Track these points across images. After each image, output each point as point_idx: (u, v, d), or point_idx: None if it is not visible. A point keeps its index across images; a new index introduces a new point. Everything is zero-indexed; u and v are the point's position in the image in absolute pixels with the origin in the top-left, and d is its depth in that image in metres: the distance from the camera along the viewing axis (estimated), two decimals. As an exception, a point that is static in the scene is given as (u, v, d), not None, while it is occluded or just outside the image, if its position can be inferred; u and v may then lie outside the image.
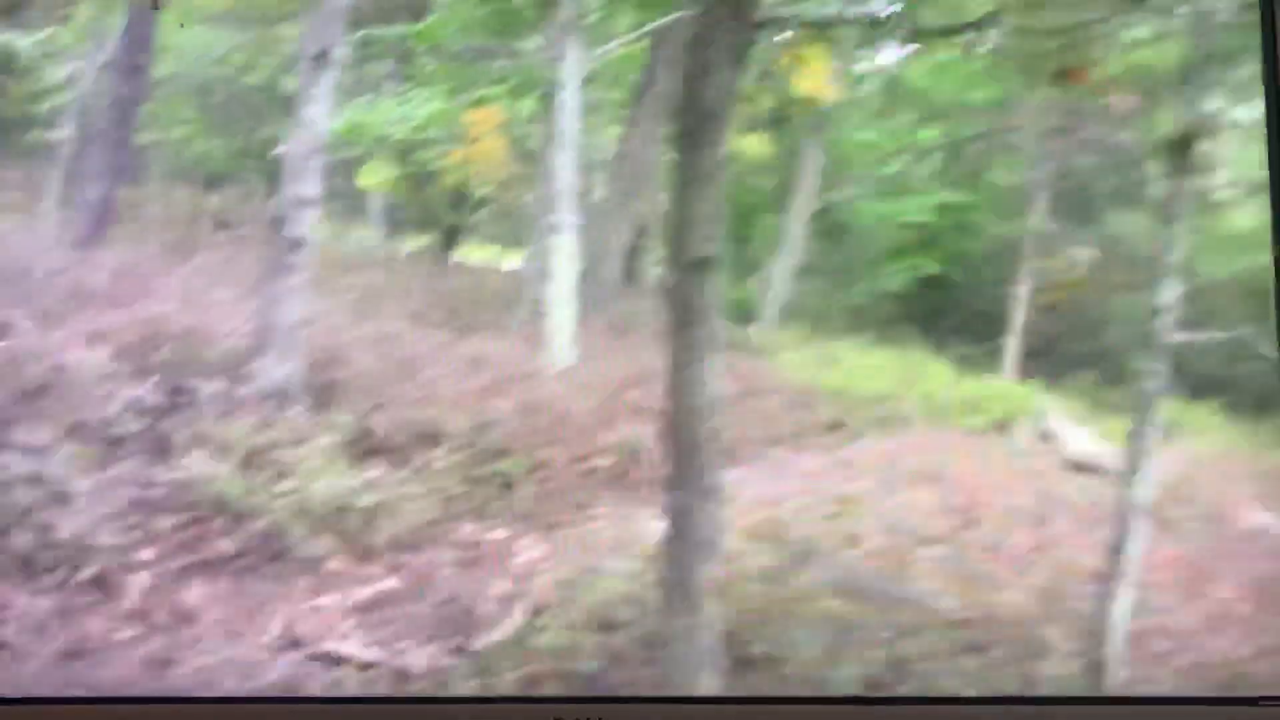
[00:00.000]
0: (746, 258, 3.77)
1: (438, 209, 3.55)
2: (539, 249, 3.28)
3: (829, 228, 3.78)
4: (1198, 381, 3.30)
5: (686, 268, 2.10)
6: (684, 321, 2.10)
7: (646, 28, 3.15)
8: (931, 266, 3.68)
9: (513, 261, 3.68)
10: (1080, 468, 2.80)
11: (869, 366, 3.31)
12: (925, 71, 3.62)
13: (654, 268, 3.59)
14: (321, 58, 2.67)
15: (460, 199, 3.58)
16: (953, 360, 3.44)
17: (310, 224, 2.67)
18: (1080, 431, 2.94)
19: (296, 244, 2.66)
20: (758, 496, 2.53)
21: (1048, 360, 3.53)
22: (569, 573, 2.24)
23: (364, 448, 2.44)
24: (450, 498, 2.33)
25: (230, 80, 3.35)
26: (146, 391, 2.43)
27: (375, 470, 2.36)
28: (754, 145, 3.34)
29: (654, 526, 2.41)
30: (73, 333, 2.55)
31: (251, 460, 2.30)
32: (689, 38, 2.15)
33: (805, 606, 2.20)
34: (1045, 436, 2.96)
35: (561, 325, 2.91)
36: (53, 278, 2.70)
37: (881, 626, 2.17)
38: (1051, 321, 3.58)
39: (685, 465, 2.07)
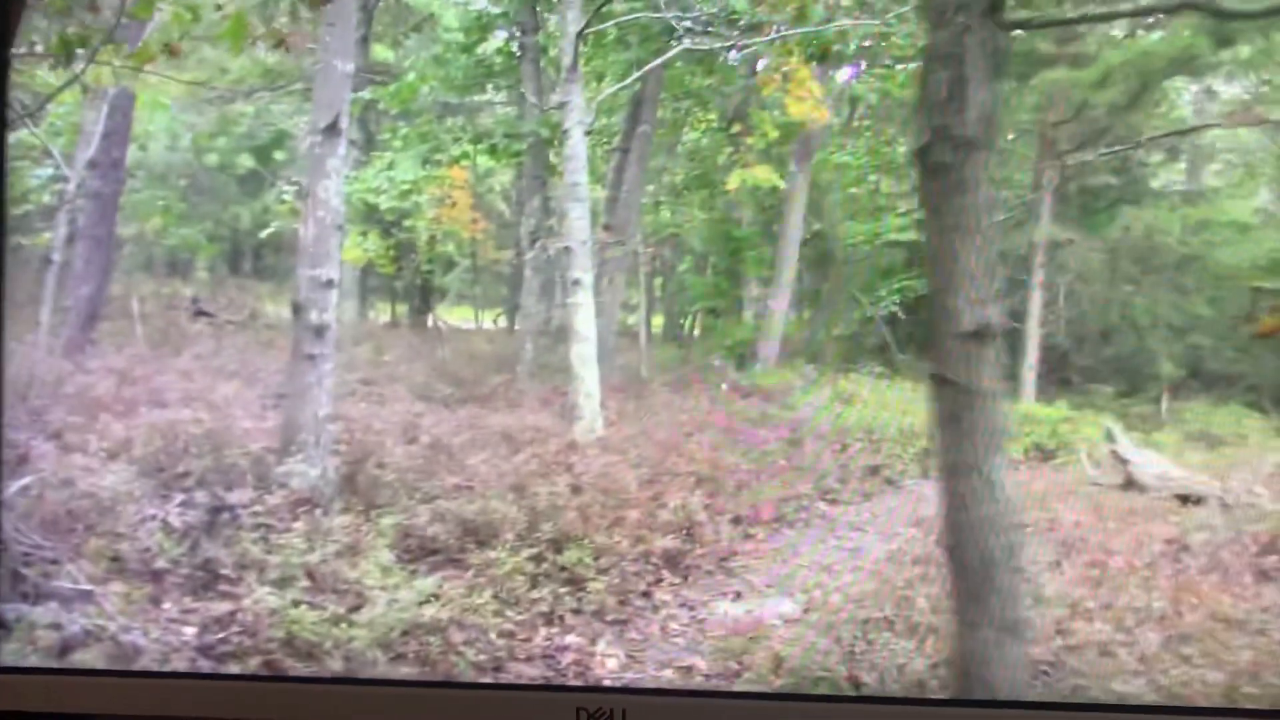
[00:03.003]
0: (742, 294, 3.71)
1: (414, 274, 3.46)
2: (536, 306, 3.21)
3: (819, 255, 3.74)
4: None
5: (959, 340, 1.82)
6: (959, 408, 1.82)
7: (646, 68, 3.08)
8: (923, 286, 3.64)
9: (488, 321, 3.61)
10: (1184, 499, 2.78)
11: (889, 400, 3.28)
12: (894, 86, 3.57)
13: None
14: (333, 128, 2.57)
15: (433, 262, 3.49)
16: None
17: (332, 308, 2.55)
18: (1150, 455, 2.93)
19: (320, 330, 2.55)
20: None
21: (1060, 375, 3.55)
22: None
23: (416, 552, 2.33)
24: (518, 602, 2.23)
25: (191, 164, 3.22)
26: (178, 510, 2.29)
27: (435, 579, 2.25)
28: (763, 175, 3.25)
29: (722, 612, 2.37)
30: (90, 452, 2.40)
31: (308, 583, 2.18)
32: (927, 57, 1.87)
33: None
34: (1115, 462, 2.94)
35: (590, 389, 2.83)
36: (55, 389, 2.55)
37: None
38: (1060, 334, 3.60)
39: (978, 592, 1.81)
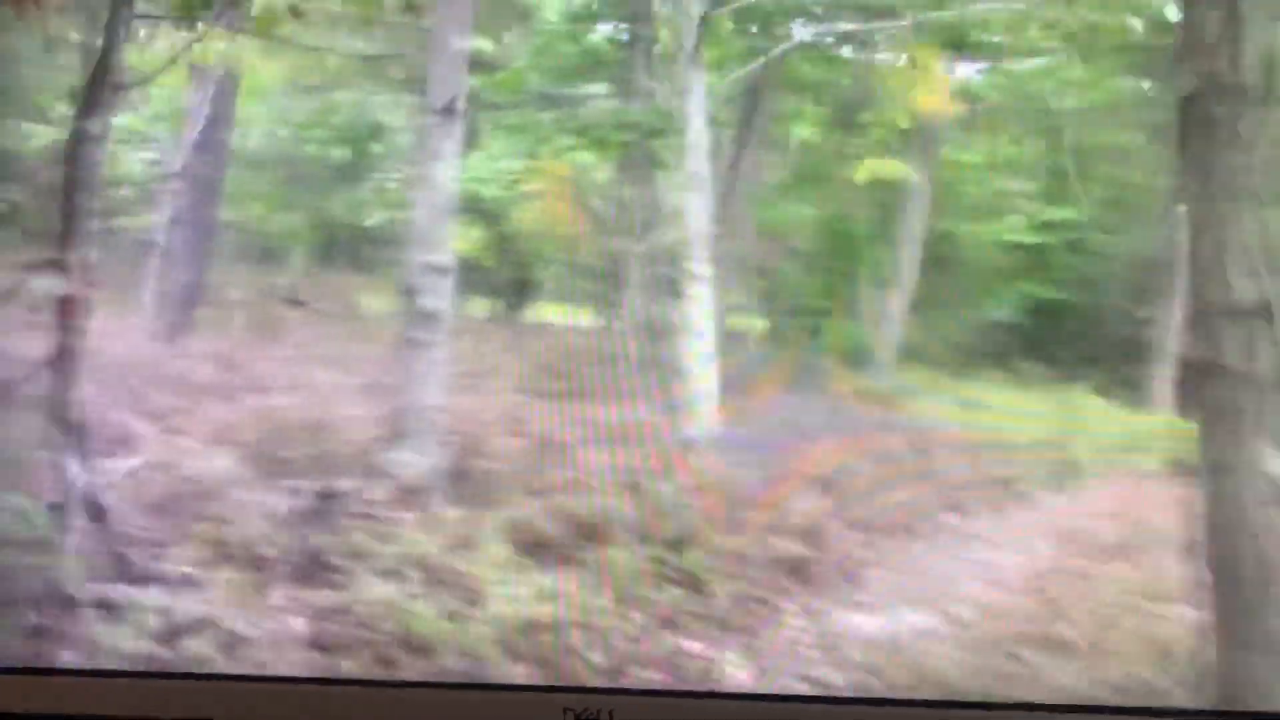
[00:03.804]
0: (857, 295, 3.59)
1: (512, 268, 3.39)
2: (641, 302, 3.11)
3: (939, 257, 3.62)
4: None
5: (1231, 319, 1.65)
6: (1230, 397, 1.66)
7: (770, 54, 2.96)
8: (1047, 291, 3.50)
9: (586, 319, 3.53)
10: None
11: (1017, 409, 3.13)
12: (1015, 80, 3.43)
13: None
14: (450, 109, 2.49)
15: (531, 256, 3.41)
16: (1089, 393, 3.26)
17: (446, 294, 2.46)
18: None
19: (431, 317, 2.47)
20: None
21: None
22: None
23: (530, 547, 2.22)
24: (640, 603, 2.11)
25: (290, 153, 3.16)
26: (283, 498, 2.20)
27: (552, 576, 2.13)
28: (892, 168, 3.13)
29: (854, 623, 2.25)
30: (193, 436, 2.33)
31: (423, 576, 2.08)
32: None
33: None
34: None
35: (706, 387, 2.71)
36: (156, 373, 2.49)
37: None
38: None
39: (1254, 607, 1.64)
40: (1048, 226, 3.49)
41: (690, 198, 2.85)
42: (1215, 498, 1.67)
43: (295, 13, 2.36)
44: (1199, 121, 1.68)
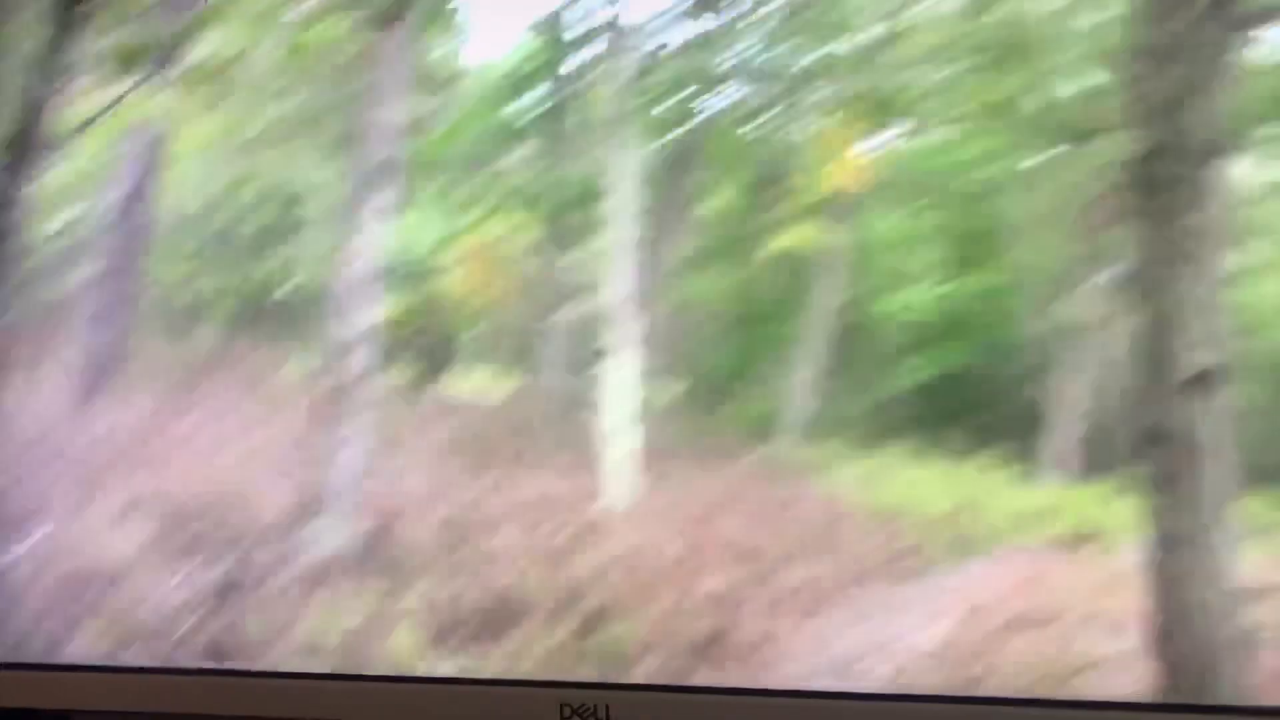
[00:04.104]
0: (769, 365, 3.62)
1: (433, 335, 3.36)
2: (559, 371, 3.10)
3: (849, 327, 3.65)
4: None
5: (1181, 387, 1.65)
6: (1178, 468, 1.65)
7: (689, 123, 2.98)
8: (955, 359, 3.56)
9: (506, 387, 3.50)
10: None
11: (923, 480, 3.17)
12: (929, 151, 3.50)
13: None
14: (386, 167, 2.45)
15: (452, 323, 3.39)
16: (991, 462, 3.31)
17: (371, 362, 2.42)
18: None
19: (351, 387, 2.42)
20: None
21: (1102, 456, 3.43)
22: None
23: (448, 625, 2.18)
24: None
25: (217, 214, 3.11)
26: (196, 575, 2.14)
27: (467, 659, 2.10)
28: (811, 236, 3.16)
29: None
30: (104, 510, 2.26)
31: (335, 655, 2.03)
32: (1144, 55, 1.72)
33: None
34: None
35: (626, 457, 2.70)
36: (69, 440, 2.41)
37: None
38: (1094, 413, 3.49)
39: (1197, 687, 1.60)
40: (953, 297, 3.52)
41: (615, 266, 2.84)
42: (1165, 573, 1.67)
43: (235, 62, 2.30)
44: (1151, 183, 1.69)
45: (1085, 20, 3.22)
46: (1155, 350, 1.64)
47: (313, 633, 2.13)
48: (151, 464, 2.50)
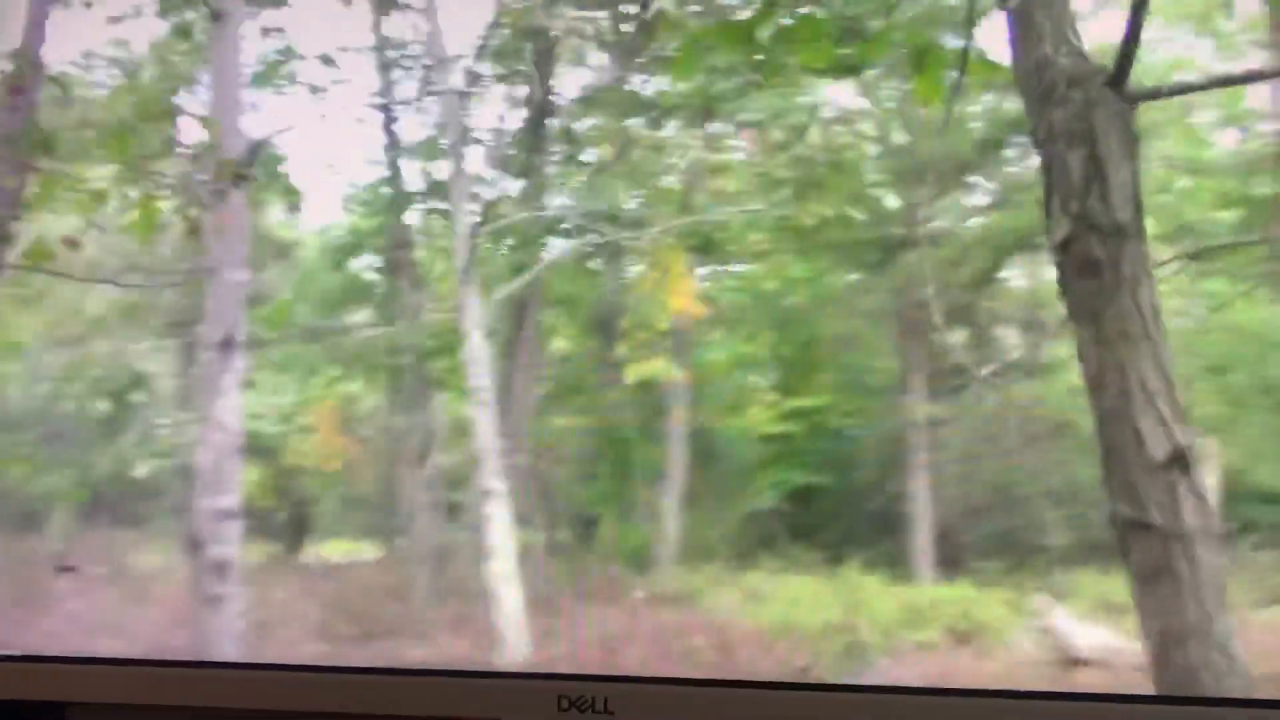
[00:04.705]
0: (631, 497, 3.55)
1: (290, 506, 3.17)
2: (426, 528, 2.95)
3: (701, 452, 3.63)
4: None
5: (1153, 472, 1.49)
6: (1169, 558, 1.47)
7: (534, 270, 2.93)
8: (800, 477, 3.56)
9: (370, 552, 3.33)
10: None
11: (797, 595, 3.10)
12: (747, 280, 3.55)
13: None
14: (228, 344, 2.29)
15: (308, 493, 3.21)
16: (859, 570, 3.29)
17: (235, 541, 2.22)
18: (1089, 628, 2.78)
19: (222, 567, 2.21)
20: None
21: (950, 554, 3.45)
22: None
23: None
24: None
25: (50, 408, 2.88)
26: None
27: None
28: (658, 368, 3.11)
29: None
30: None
31: None
32: (1046, 138, 1.61)
33: None
34: (1050, 638, 2.78)
35: (511, 609, 2.55)
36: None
37: None
38: (942, 511, 3.50)
39: None
40: (790, 415, 3.52)
41: (476, 413, 2.72)
42: (1165, 670, 1.49)
43: (71, 244, 2.14)
44: (1079, 267, 1.60)
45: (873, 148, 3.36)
46: (1121, 435, 1.55)
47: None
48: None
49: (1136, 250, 1.57)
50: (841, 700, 1.62)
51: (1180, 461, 1.51)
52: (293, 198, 2.99)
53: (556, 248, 3.17)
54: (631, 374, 3.28)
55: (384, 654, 2.51)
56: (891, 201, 3.27)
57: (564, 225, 3.13)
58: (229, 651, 2.24)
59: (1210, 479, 2.97)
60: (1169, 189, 3.03)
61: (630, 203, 3.15)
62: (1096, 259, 1.57)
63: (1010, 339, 3.64)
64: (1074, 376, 3.26)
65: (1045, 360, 3.57)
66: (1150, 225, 1.64)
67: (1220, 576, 1.47)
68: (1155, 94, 1.90)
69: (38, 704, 1.62)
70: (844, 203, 3.24)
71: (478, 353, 2.76)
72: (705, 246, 3.29)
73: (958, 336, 3.68)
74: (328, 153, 3.13)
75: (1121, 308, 1.55)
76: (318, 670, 1.73)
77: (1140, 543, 1.53)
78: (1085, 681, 2.58)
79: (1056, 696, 1.62)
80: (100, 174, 2.37)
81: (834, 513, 3.58)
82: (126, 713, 1.63)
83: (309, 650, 2.43)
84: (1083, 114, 1.54)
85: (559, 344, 3.59)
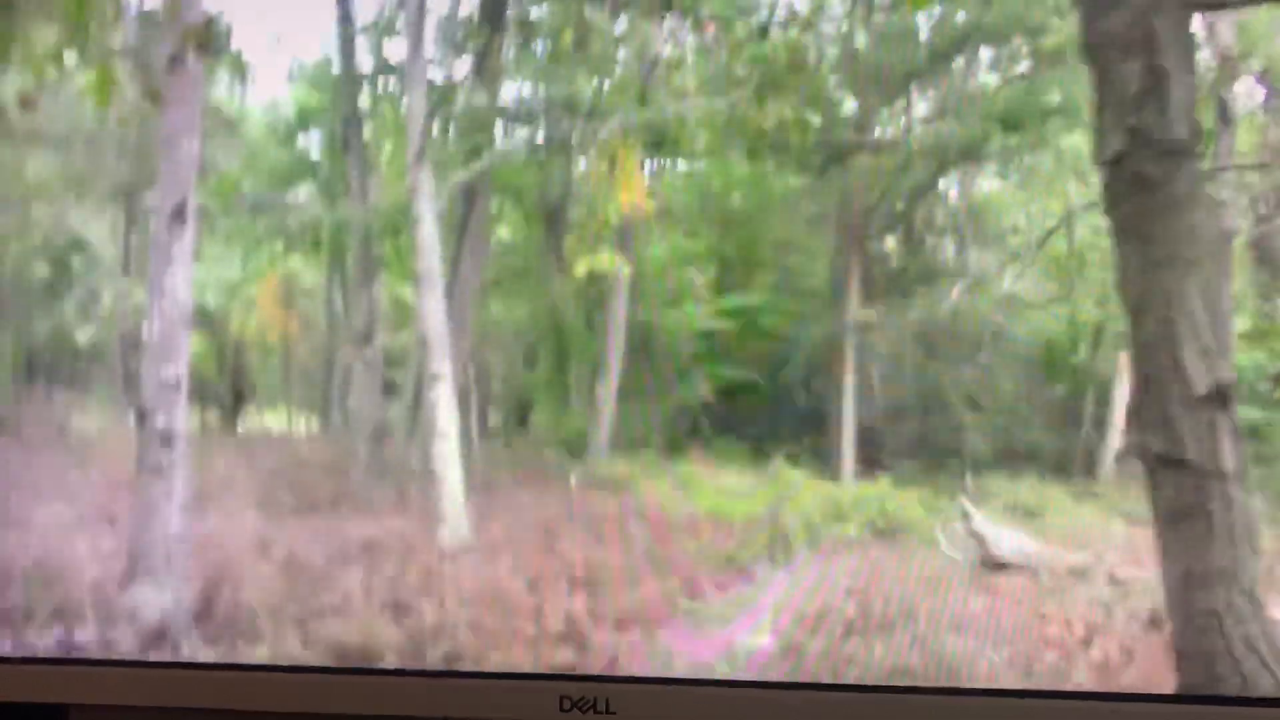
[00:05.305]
0: (569, 386, 3.52)
1: (230, 377, 3.09)
2: (368, 407, 2.89)
3: (639, 345, 3.60)
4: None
5: (1192, 407, 1.39)
6: (1201, 499, 1.39)
7: (490, 156, 2.84)
8: (732, 372, 3.55)
9: (307, 426, 3.24)
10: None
11: (732, 487, 3.11)
12: (694, 178, 3.50)
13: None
14: (179, 213, 2.19)
15: (248, 364, 3.13)
16: (784, 465, 3.31)
17: (182, 412, 2.15)
18: (1005, 530, 2.82)
19: (168, 438, 2.14)
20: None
21: (871, 454, 3.47)
22: None
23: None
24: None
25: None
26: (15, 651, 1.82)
27: None
28: (605, 260, 3.06)
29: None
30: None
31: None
32: (1102, 47, 1.48)
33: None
34: (968, 538, 2.81)
35: (453, 490, 2.51)
36: None
37: None
38: (868, 412, 3.52)
39: None
40: (726, 313, 3.51)
41: (425, 297, 2.65)
42: (1186, 615, 1.43)
43: (25, 102, 2.02)
44: (1130, 185, 1.51)
45: (832, 51, 3.29)
46: (1159, 366, 1.46)
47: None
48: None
49: (1192, 170, 1.47)
50: (842, 700, 1.64)
51: (1221, 397, 1.43)
52: (240, 70, 2.85)
53: (509, 136, 3.06)
54: (580, 266, 3.21)
55: (326, 527, 2.46)
56: (849, 107, 3.19)
57: (518, 113, 3.02)
58: (174, 523, 2.17)
59: (1122, 394, 3.04)
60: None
61: (586, 92, 3.05)
62: (1150, 177, 1.48)
63: (946, 250, 3.63)
64: (1004, 288, 3.31)
65: (976, 272, 3.59)
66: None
67: (1253, 518, 1.41)
68: (1221, 3, 1.79)
69: (41, 706, 1.63)
70: (802, 106, 3.17)
71: (429, 237, 2.67)
72: (657, 142, 3.21)
73: (894, 245, 3.68)
74: (277, 25, 3.00)
75: (1173, 230, 1.45)
76: (320, 671, 1.80)
77: (1171, 480, 1.46)
78: (1006, 585, 2.61)
79: (1058, 696, 1.65)
80: (54, 35, 2.24)
81: (762, 409, 3.58)
82: (129, 714, 1.65)
83: (240, 529, 2.36)
84: (1141, 20, 1.42)
85: (504, 232, 3.51)
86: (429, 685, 1.67)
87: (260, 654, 2.05)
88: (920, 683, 1.94)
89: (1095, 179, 3.12)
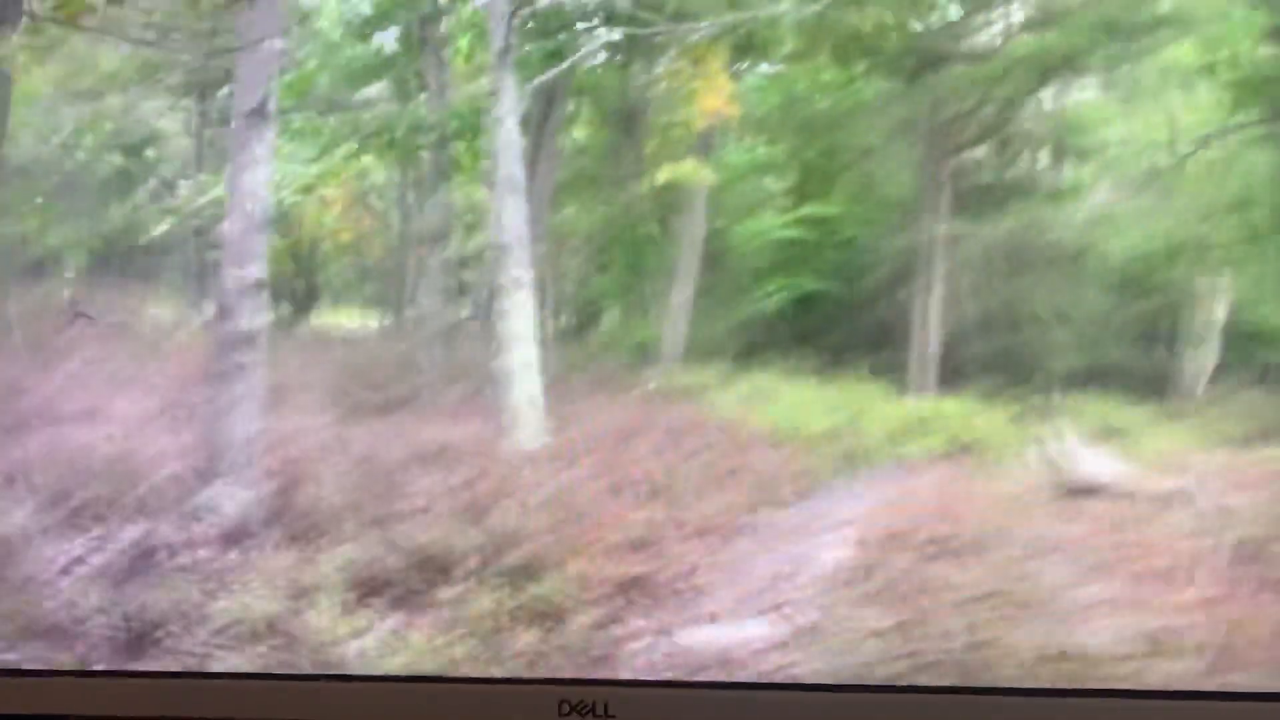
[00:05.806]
0: (643, 293, 3.42)
1: (302, 274, 3.03)
2: (440, 308, 2.80)
3: (714, 254, 3.49)
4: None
5: None
6: None
7: (577, 56, 2.72)
8: (809, 283, 3.43)
9: (379, 323, 3.16)
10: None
11: (802, 399, 3.01)
12: (779, 83, 3.34)
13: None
14: (259, 111, 2.10)
15: (320, 262, 3.04)
16: (858, 380, 3.19)
17: (261, 313, 2.08)
18: (1101, 453, 2.68)
19: (247, 339, 2.08)
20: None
21: (951, 368, 3.35)
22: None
23: (370, 586, 1.88)
24: (495, 643, 1.82)
25: (63, 161, 2.68)
26: (88, 552, 1.77)
27: (395, 619, 1.81)
28: (690, 169, 2.94)
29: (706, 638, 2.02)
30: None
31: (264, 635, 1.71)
32: None
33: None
34: (1062, 462, 2.69)
35: (531, 395, 2.43)
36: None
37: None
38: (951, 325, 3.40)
39: None
40: (804, 222, 3.39)
41: (507, 202, 2.55)
42: None
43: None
44: None
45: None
46: None
47: (232, 610, 1.78)
48: (30, 423, 2.09)
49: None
50: (842, 700, 1.59)
51: None
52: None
53: (594, 36, 2.93)
54: (663, 174, 3.10)
55: (400, 427, 2.40)
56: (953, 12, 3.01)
57: (603, 13, 2.88)
58: (253, 421, 2.12)
59: (1219, 314, 2.89)
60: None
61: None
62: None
63: (1038, 163, 3.48)
64: (1097, 201, 3.15)
65: (1068, 185, 3.43)
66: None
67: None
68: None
69: (40, 718, 1.57)
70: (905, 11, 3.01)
71: (510, 140, 2.56)
72: (743, 46, 3.06)
73: (985, 155, 3.52)
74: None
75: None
76: (319, 679, 1.72)
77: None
78: (1097, 509, 2.49)
79: (1058, 695, 1.58)
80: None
81: (839, 320, 3.47)
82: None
83: (315, 428, 2.30)
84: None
85: (580, 135, 3.40)
86: (428, 691, 1.64)
87: (343, 553, 2.00)
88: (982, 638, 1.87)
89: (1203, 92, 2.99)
